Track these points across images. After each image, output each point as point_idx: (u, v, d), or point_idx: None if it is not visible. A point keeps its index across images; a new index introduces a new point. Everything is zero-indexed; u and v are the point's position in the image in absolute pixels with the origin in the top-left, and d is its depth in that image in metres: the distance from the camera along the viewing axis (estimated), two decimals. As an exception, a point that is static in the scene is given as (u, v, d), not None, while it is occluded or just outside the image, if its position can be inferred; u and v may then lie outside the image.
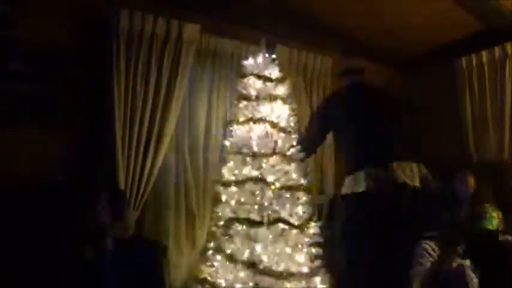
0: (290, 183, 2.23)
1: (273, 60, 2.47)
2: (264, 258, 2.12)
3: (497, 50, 3.37)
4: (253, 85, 2.42)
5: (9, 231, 2.10)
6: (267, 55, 2.48)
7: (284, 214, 2.18)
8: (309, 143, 2.49)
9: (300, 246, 2.16)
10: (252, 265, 2.09)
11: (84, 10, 2.78)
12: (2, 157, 2.41)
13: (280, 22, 3.29)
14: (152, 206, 2.89)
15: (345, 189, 2.22)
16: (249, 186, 2.26)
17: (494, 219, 2.86)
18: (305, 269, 2.11)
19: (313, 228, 2.24)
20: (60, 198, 2.29)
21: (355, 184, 2.13)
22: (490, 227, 2.83)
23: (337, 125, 2.36)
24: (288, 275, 2.07)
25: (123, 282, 2.11)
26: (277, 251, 2.15)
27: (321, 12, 3.25)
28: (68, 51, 2.69)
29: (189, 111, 3.08)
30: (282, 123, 2.33)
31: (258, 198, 2.24)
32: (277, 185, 2.20)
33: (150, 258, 2.38)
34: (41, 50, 2.60)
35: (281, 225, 2.15)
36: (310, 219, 2.21)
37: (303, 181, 2.25)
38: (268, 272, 2.07)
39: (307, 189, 2.25)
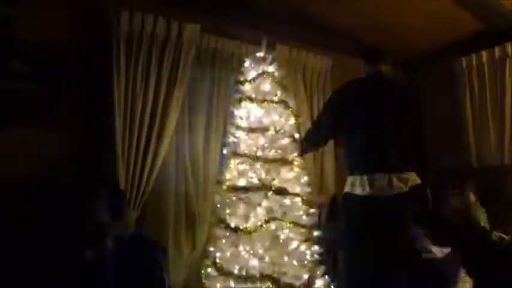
0: (241, 184, 2.26)
1: (261, 60, 2.51)
2: (217, 255, 2.26)
3: (497, 50, 3.37)
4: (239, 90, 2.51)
5: (9, 231, 2.10)
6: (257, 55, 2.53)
7: (228, 215, 2.27)
8: (313, 133, 2.40)
9: (242, 248, 2.20)
10: (213, 263, 2.25)
11: (84, 10, 2.78)
12: (2, 157, 2.41)
13: (280, 22, 3.29)
14: (152, 206, 2.89)
15: (348, 189, 2.15)
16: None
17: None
18: (235, 271, 2.17)
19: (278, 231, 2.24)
20: (60, 198, 2.28)
21: (357, 186, 2.08)
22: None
23: (346, 118, 2.17)
24: (227, 274, 2.17)
25: (123, 282, 2.10)
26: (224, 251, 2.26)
27: (320, 12, 3.25)
28: (68, 51, 2.69)
29: (189, 111, 3.08)
30: (244, 124, 2.37)
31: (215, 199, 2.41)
32: (224, 186, 2.30)
33: (150, 258, 2.38)
34: (41, 50, 2.60)
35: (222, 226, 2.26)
36: (267, 222, 2.21)
37: (258, 182, 2.26)
38: (217, 269, 2.21)
39: (266, 189, 2.25)
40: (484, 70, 3.44)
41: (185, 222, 3.00)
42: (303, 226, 2.28)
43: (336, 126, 2.24)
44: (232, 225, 2.22)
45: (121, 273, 2.10)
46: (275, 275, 2.13)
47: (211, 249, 2.33)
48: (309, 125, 3.39)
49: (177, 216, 2.97)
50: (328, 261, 2.45)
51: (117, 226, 2.31)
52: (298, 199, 2.31)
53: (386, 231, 2.00)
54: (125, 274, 2.11)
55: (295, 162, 2.37)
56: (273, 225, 2.23)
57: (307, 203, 2.34)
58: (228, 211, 2.30)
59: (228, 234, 2.25)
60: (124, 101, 2.71)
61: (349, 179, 2.13)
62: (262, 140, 2.34)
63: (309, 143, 2.46)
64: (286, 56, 3.42)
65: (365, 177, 2.03)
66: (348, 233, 2.10)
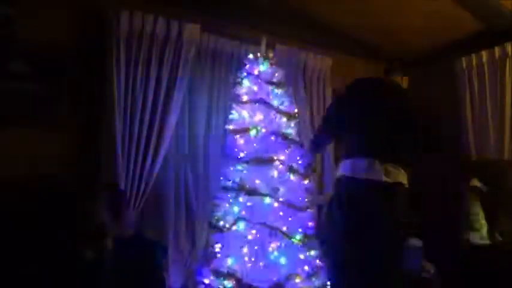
0: (224, 184, 2.33)
1: (254, 60, 2.53)
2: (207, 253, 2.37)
3: (497, 50, 3.36)
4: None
5: (9, 231, 2.10)
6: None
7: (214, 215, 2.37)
8: (317, 142, 2.59)
9: (217, 246, 2.27)
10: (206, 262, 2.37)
11: (84, 10, 2.79)
12: (2, 157, 2.41)
13: (280, 22, 3.29)
14: (152, 206, 2.90)
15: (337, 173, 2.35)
16: None
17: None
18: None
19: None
20: (60, 198, 2.28)
21: (338, 170, 2.25)
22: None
23: (343, 121, 2.35)
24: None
25: (123, 282, 2.11)
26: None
27: (320, 12, 3.25)
28: (68, 51, 2.69)
29: (189, 111, 3.08)
30: (233, 125, 2.46)
31: None
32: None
33: (150, 258, 2.38)
34: (41, 50, 2.60)
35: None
36: (235, 222, 2.23)
37: (232, 183, 2.31)
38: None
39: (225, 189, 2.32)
40: (484, 70, 3.43)
41: (185, 222, 3.01)
42: (276, 228, 2.26)
43: (336, 131, 2.45)
44: (215, 224, 2.30)
45: (121, 273, 2.10)
46: (238, 275, 2.15)
47: (208, 248, 2.37)
48: (308, 124, 3.41)
49: (177, 216, 2.97)
50: (328, 262, 2.43)
51: (117, 226, 2.31)
52: (272, 200, 2.29)
53: (364, 214, 2.09)
54: (124, 274, 2.11)
55: (276, 162, 2.35)
56: (241, 225, 2.25)
57: (288, 204, 2.31)
58: (218, 211, 2.35)
59: (211, 232, 2.33)
60: (124, 101, 2.71)
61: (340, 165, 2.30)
62: (242, 141, 2.35)
63: (313, 151, 2.66)
64: (286, 56, 3.42)
65: (349, 160, 2.18)
66: (335, 204, 2.21)
